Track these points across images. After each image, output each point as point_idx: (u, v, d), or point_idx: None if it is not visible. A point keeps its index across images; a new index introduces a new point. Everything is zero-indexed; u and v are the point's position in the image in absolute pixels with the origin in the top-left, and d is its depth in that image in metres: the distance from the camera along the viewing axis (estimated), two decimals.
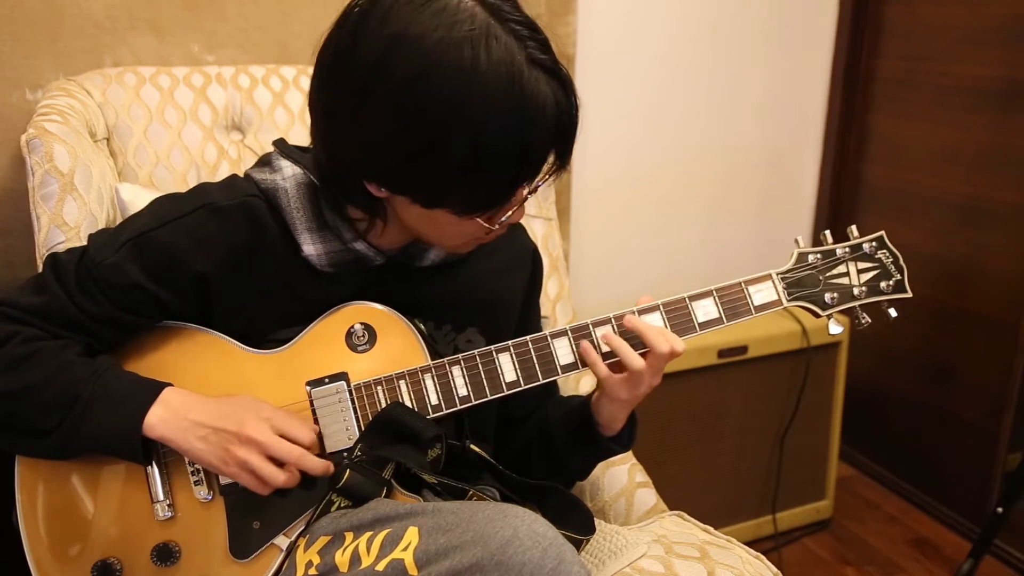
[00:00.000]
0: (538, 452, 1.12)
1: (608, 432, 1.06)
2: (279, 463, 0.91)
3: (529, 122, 0.84)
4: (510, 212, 0.92)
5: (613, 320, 0.99)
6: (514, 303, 1.13)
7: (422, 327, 1.00)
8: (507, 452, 1.14)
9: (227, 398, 0.94)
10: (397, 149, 0.86)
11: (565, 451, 1.09)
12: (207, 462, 0.92)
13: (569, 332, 0.99)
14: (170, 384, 0.94)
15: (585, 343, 0.99)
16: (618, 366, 0.98)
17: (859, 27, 2.19)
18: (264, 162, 1.01)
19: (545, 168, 0.90)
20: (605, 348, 0.98)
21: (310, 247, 0.97)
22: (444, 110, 0.82)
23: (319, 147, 0.93)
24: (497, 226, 0.93)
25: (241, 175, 1.02)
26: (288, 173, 0.98)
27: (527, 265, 1.15)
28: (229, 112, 1.38)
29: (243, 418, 0.91)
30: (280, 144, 1.02)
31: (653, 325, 0.98)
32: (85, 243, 0.98)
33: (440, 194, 0.88)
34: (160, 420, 0.90)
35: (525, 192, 0.92)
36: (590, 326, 0.99)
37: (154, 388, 0.93)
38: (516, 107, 0.83)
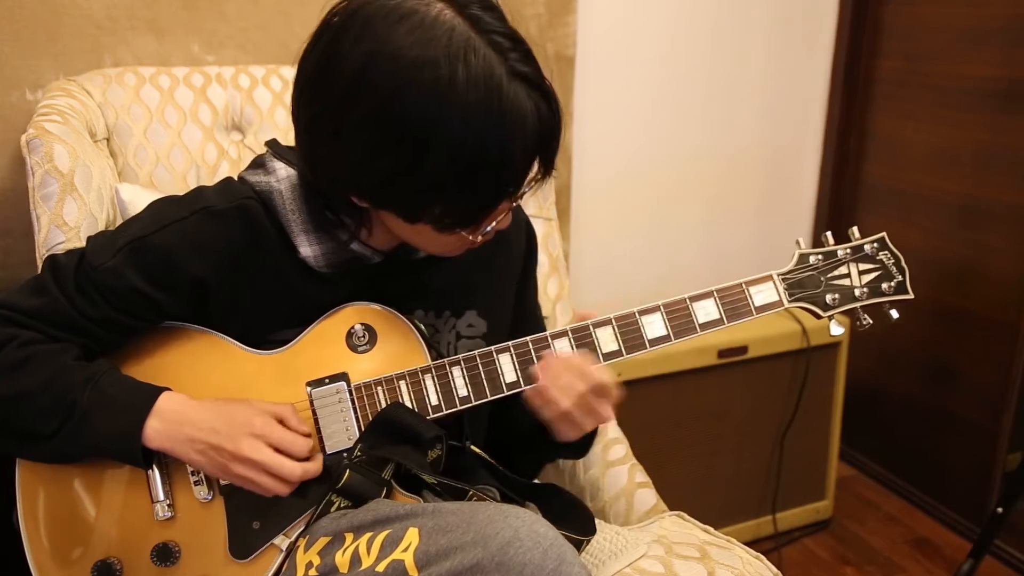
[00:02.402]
0: (514, 441, 1.12)
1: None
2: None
3: (509, 137, 0.83)
4: (495, 223, 0.92)
5: (614, 321, 0.99)
6: (511, 277, 1.13)
7: (422, 327, 1.00)
8: (494, 437, 1.15)
9: (220, 406, 0.93)
10: (376, 168, 0.85)
11: (516, 446, 1.10)
12: (208, 472, 0.93)
13: (570, 333, 0.99)
14: (167, 389, 0.94)
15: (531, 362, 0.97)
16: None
17: (859, 27, 2.19)
18: (258, 164, 1.01)
19: (529, 176, 0.90)
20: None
21: (307, 248, 0.97)
22: (422, 129, 0.81)
23: (302, 160, 0.93)
24: (481, 237, 0.93)
25: (236, 178, 1.02)
26: (282, 175, 0.98)
27: (521, 234, 1.15)
28: (229, 112, 1.38)
29: (236, 436, 0.90)
30: (273, 145, 1.02)
31: (557, 366, 0.95)
32: (84, 244, 0.98)
33: (421, 210, 0.88)
34: (156, 433, 0.91)
35: (511, 203, 0.92)
36: (590, 327, 0.99)
37: (151, 394, 0.92)
38: (496, 123, 0.82)
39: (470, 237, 0.92)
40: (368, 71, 0.81)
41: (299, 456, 0.93)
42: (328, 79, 0.84)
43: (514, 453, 1.11)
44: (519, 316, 1.15)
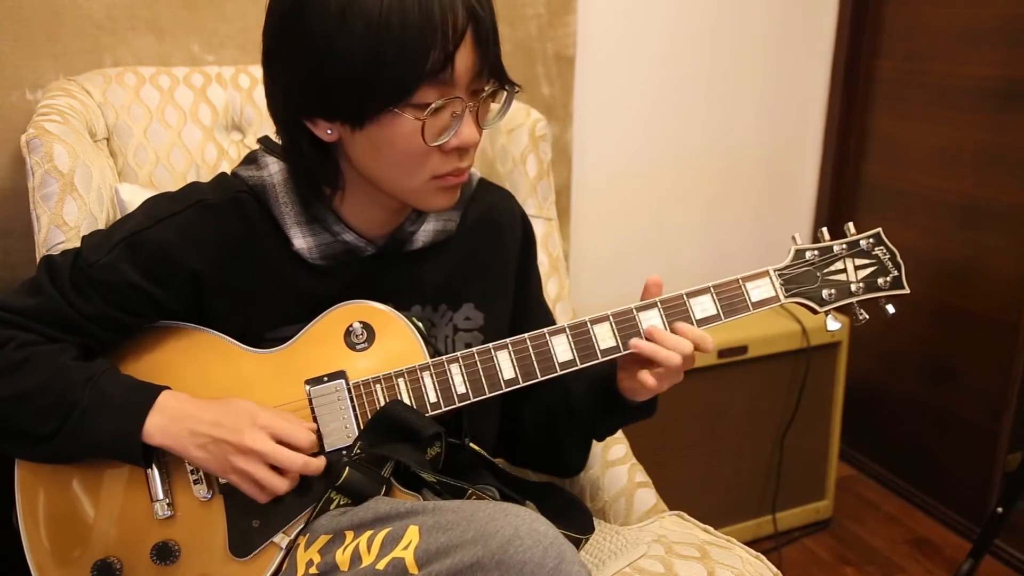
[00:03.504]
0: (562, 416, 1.12)
1: (631, 399, 1.06)
2: (280, 469, 0.92)
3: (426, 2, 0.83)
4: (434, 105, 0.87)
5: (612, 318, 0.99)
6: (507, 271, 1.13)
7: (420, 325, 1.01)
8: (514, 421, 1.15)
9: (222, 403, 0.94)
10: (307, 65, 0.88)
11: (591, 413, 1.10)
12: (208, 468, 0.93)
13: (567, 330, 0.99)
14: (167, 387, 0.94)
15: (634, 340, 0.98)
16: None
17: (859, 27, 2.19)
18: (250, 159, 1.02)
19: (466, 66, 0.87)
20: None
21: (300, 241, 0.98)
22: (336, 8, 0.84)
23: (271, 114, 0.97)
24: (429, 131, 0.88)
25: (229, 173, 1.03)
26: (274, 169, 0.99)
27: (516, 228, 1.15)
28: (229, 112, 1.38)
29: (240, 428, 0.91)
30: (264, 141, 1.03)
31: (662, 332, 0.98)
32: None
33: (356, 97, 0.87)
34: (158, 429, 0.91)
35: (463, 105, 0.89)
36: (588, 324, 0.99)
37: (151, 393, 0.93)
38: None
39: (422, 134, 0.88)
40: None
41: (303, 447, 0.93)
42: (270, 11, 0.91)
43: (588, 420, 1.11)
44: (525, 308, 1.15)
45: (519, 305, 1.14)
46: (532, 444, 1.16)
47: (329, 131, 0.92)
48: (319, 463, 0.93)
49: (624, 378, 1.04)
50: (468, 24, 0.86)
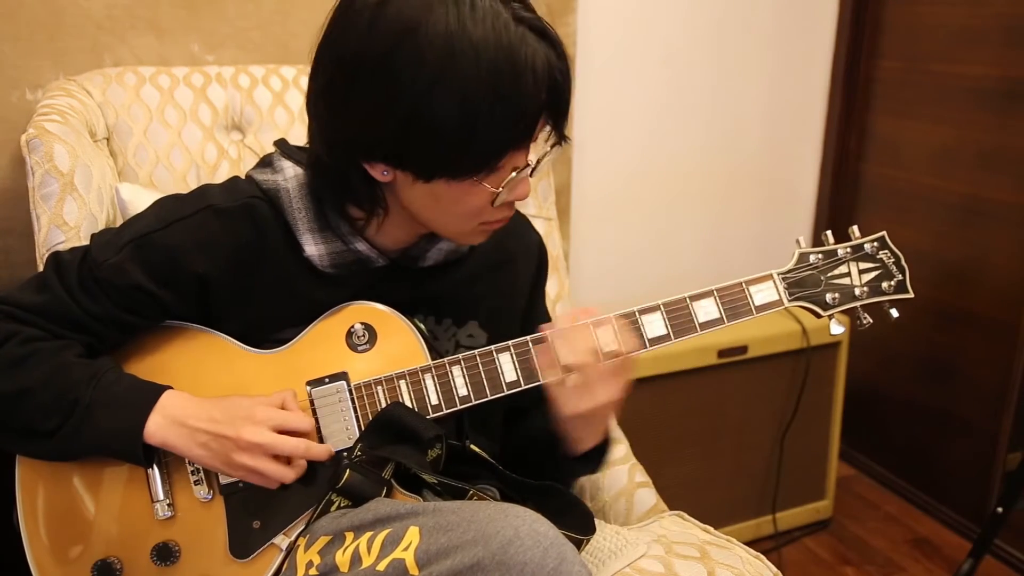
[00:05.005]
0: (532, 454, 1.11)
1: (577, 448, 1.04)
2: (285, 459, 0.92)
3: (519, 76, 0.83)
4: (511, 176, 0.89)
5: (614, 320, 0.99)
6: (518, 296, 1.13)
7: (422, 327, 1.00)
8: (512, 446, 1.14)
9: (220, 400, 0.94)
10: (390, 117, 0.85)
11: (542, 462, 1.08)
12: (211, 466, 0.93)
13: None
14: (169, 387, 0.94)
15: (535, 351, 0.97)
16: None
17: (859, 27, 2.19)
18: (265, 163, 1.01)
19: (542, 135, 0.89)
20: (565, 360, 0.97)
21: (312, 248, 0.97)
22: (432, 69, 0.82)
23: (317, 138, 0.93)
24: (501, 196, 0.91)
25: (242, 176, 1.02)
26: (290, 174, 0.98)
27: (532, 256, 1.15)
28: (229, 112, 1.38)
29: (238, 423, 0.91)
30: (281, 144, 1.02)
31: (569, 331, 0.97)
32: (85, 243, 0.98)
33: (436, 159, 0.87)
34: (159, 427, 0.91)
35: (527, 164, 0.90)
36: (591, 326, 0.99)
37: (153, 392, 0.93)
38: (505, 57, 0.82)
39: (490, 189, 0.90)
40: (378, 21, 0.83)
41: (303, 432, 0.93)
42: (342, 40, 0.86)
43: (538, 468, 1.08)
44: (529, 331, 1.14)
45: (525, 330, 1.12)
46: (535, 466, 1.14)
47: (385, 173, 0.91)
48: (322, 448, 0.94)
49: (563, 421, 1.01)
50: (552, 93, 0.87)
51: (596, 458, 1.07)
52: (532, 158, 0.91)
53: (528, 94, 0.84)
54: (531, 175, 0.93)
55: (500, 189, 0.90)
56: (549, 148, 0.93)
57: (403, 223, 0.98)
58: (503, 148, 0.87)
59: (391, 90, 0.84)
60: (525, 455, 1.12)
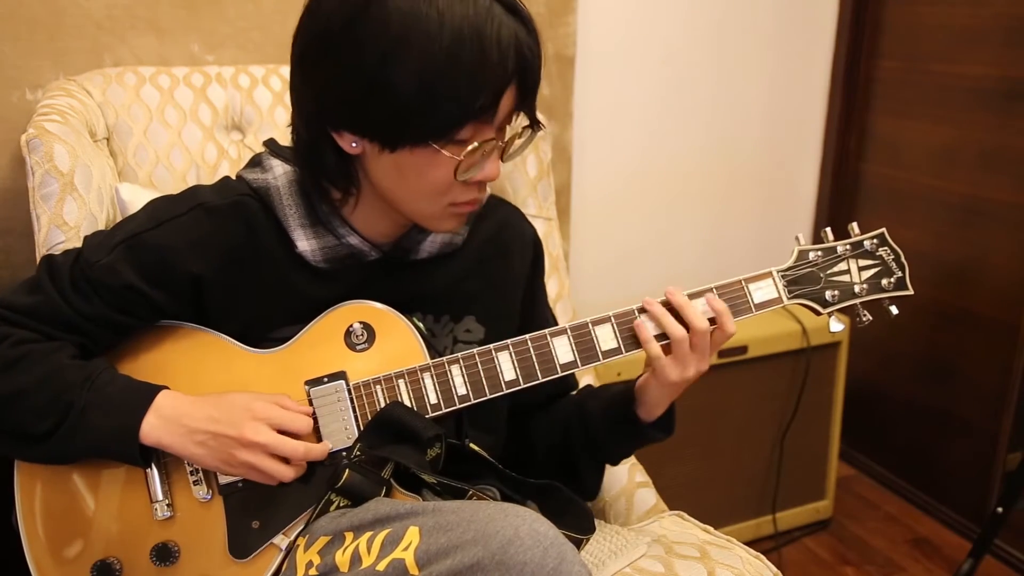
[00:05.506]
0: (578, 440, 1.11)
1: (648, 418, 1.05)
2: (284, 458, 0.92)
3: (483, 47, 0.83)
4: (473, 145, 0.88)
5: (613, 319, 0.99)
6: (514, 290, 1.13)
7: (421, 326, 1.00)
8: (528, 442, 1.14)
9: (219, 398, 0.94)
10: (352, 81, 0.86)
11: (607, 438, 1.09)
12: (209, 465, 0.93)
13: (569, 331, 0.99)
14: (165, 387, 0.94)
15: (638, 321, 0.98)
16: (667, 347, 0.98)
17: (859, 27, 2.19)
18: (255, 163, 1.02)
19: (507, 107, 0.89)
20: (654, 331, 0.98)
21: (304, 243, 0.98)
22: (395, 34, 0.83)
23: (296, 113, 0.95)
24: (465, 170, 0.90)
25: (233, 176, 1.02)
26: (279, 172, 0.99)
27: (528, 249, 1.15)
28: (229, 112, 1.38)
29: (239, 421, 0.91)
30: (270, 144, 1.03)
31: (692, 303, 0.98)
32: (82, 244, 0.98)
33: (396, 125, 0.87)
34: (155, 428, 0.91)
35: (494, 139, 0.90)
36: (589, 325, 0.99)
37: (148, 392, 0.92)
38: (469, 28, 0.83)
39: (452, 167, 0.89)
40: None
41: (302, 433, 0.93)
42: (317, 9, 0.88)
43: (603, 444, 1.10)
44: (532, 327, 1.14)
45: (525, 326, 1.11)
46: (545, 469, 1.13)
47: (354, 144, 0.92)
48: (321, 448, 0.94)
49: (641, 387, 1.03)
50: (518, 68, 0.87)
51: (670, 423, 1.08)
52: (499, 137, 0.91)
53: (491, 65, 0.84)
54: (503, 158, 0.93)
55: (461, 158, 0.89)
56: (521, 130, 0.93)
57: (377, 204, 0.98)
58: (463, 118, 0.87)
59: (354, 55, 0.85)
60: (563, 444, 1.12)
